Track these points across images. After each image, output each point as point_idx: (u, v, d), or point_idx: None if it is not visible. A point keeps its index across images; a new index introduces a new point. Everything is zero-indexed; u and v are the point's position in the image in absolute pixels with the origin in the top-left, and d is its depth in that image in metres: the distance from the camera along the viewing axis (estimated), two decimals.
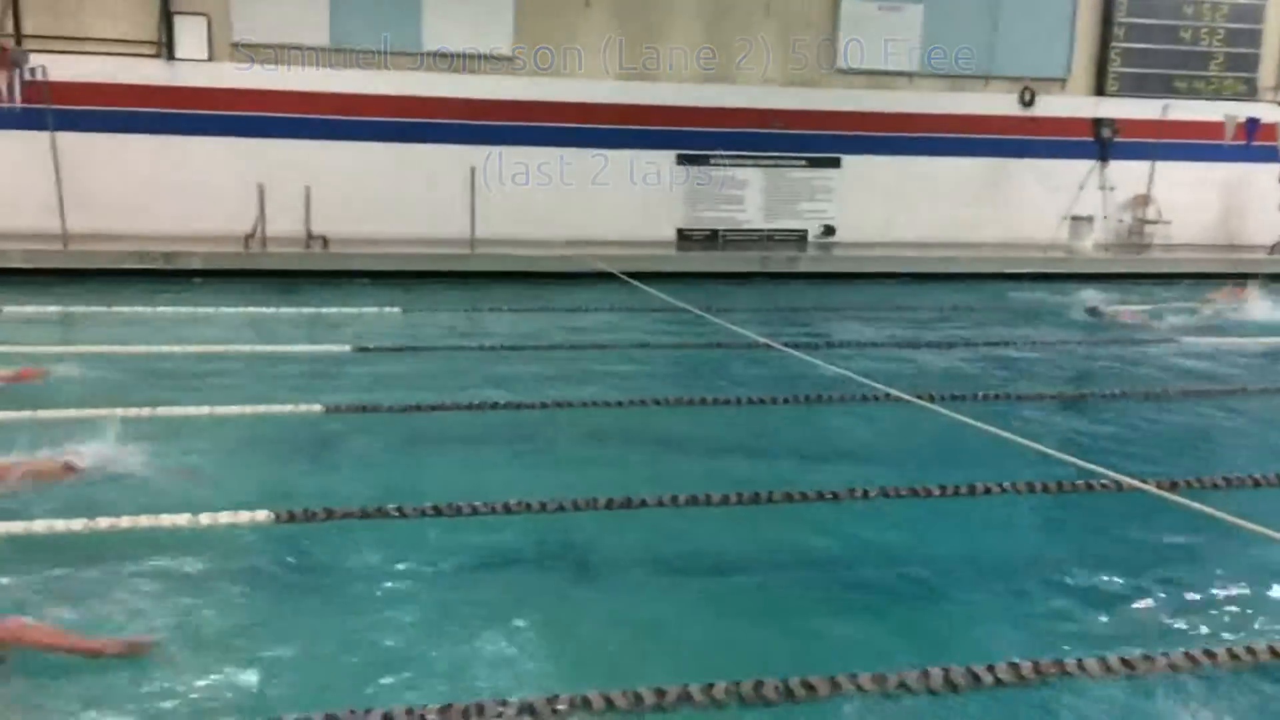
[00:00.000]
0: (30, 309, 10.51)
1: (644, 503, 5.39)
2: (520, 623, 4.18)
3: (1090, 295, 12.65)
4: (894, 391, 7.15)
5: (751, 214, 16.56)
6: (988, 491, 5.71)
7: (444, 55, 15.37)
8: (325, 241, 13.80)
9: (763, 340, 9.05)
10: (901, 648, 4.06)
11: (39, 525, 4.82)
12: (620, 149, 15.79)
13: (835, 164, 16.68)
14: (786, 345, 8.80)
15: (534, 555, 4.87)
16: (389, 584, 4.50)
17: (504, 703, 3.47)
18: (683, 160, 16.23)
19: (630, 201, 15.80)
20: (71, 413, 6.48)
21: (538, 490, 5.48)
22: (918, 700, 3.63)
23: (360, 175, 14.66)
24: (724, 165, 16.39)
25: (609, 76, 15.95)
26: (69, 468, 5.33)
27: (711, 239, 16.30)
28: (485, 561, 4.78)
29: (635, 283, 11.96)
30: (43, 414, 6.53)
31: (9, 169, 13.59)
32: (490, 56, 15.60)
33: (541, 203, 15.27)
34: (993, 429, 6.02)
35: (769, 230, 16.54)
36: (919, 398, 7.07)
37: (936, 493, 5.71)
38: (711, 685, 3.57)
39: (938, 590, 4.68)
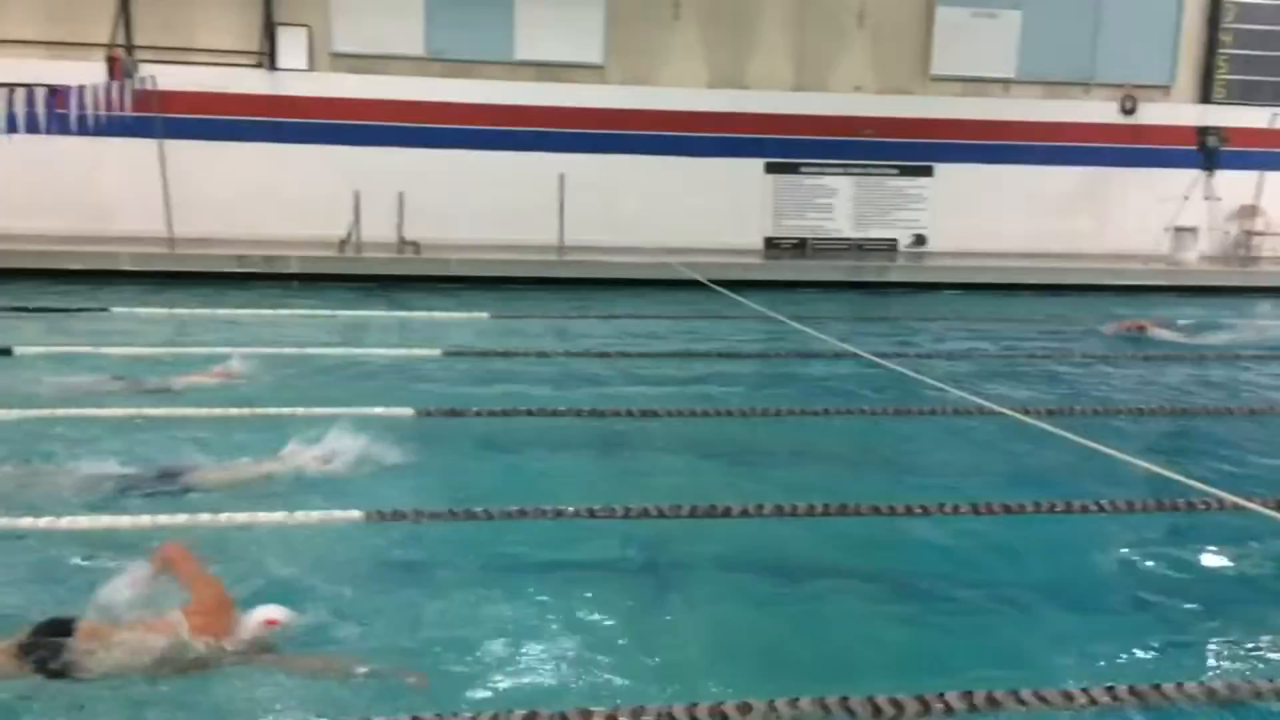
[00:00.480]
0: (141, 310, 10.88)
1: (728, 511, 5.35)
2: (601, 629, 4.18)
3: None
4: (986, 403, 6.99)
5: (840, 222, 16.40)
6: (1084, 509, 5.54)
7: (535, 64, 15.56)
8: (417, 247, 14.05)
9: (851, 350, 8.93)
10: (989, 666, 3.95)
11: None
12: (708, 157, 15.79)
13: (928, 172, 16.43)
14: (875, 355, 8.68)
15: (617, 561, 4.87)
16: (473, 586, 4.53)
17: (588, 713, 3.45)
18: (771, 168, 16.15)
19: (718, 209, 15.78)
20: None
21: (622, 496, 5.48)
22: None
23: (452, 182, 14.90)
24: (813, 173, 16.26)
25: (698, 85, 15.96)
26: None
27: (799, 247, 16.18)
28: (568, 566, 4.79)
29: (723, 290, 11.91)
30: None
31: (119, 175, 14.13)
32: (580, 65, 15.73)
33: (629, 210, 15.33)
34: (1089, 442, 5.84)
35: (858, 239, 16.36)
36: (1011, 411, 6.90)
37: (1030, 508, 5.56)
38: (796, 700, 3.52)
39: (1029, 609, 4.54)
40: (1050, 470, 6.32)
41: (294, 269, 13.26)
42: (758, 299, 11.22)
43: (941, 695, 3.59)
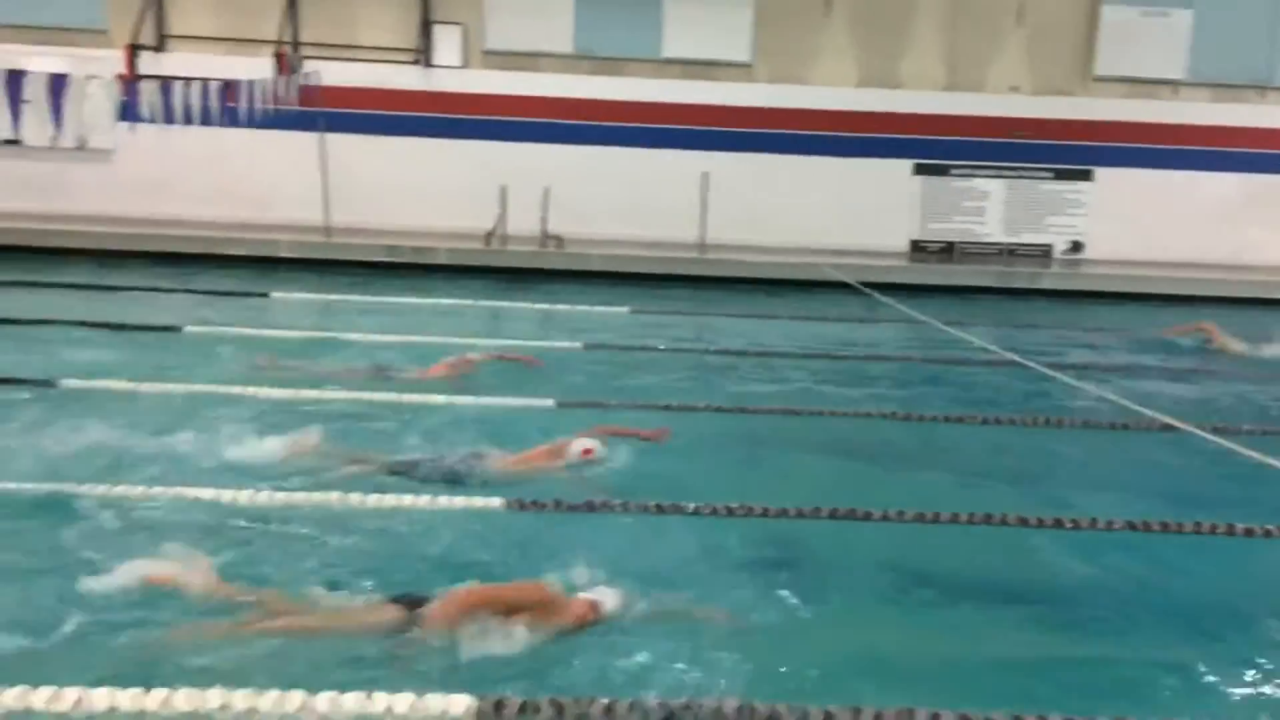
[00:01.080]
0: (296, 295, 11.33)
1: (869, 515, 5.22)
2: (737, 627, 4.13)
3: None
4: (1148, 411, 6.65)
5: (991, 226, 15.90)
6: (1249, 533, 5.20)
7: (682, 62, 15.57)
8: (560, 241, 14.23)
9: (1006, 356, 8.63)
10: (1138, 689, 3.75)
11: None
12: (856, 157, 15.52)
13: (1086, 176, 15.78)
14: (1027, 362, 8.36)
15: (754, 560, 4.80)
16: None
17: (720, 710, 3.41)
18: (920, 169, 15.77)
19: (862, 211, 15.49)
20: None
21: (761, 495, 5.41)
22: None
23: (596, 178, 15.03)
24: (963, 175, 15.81)
25: (847, 84, 15.70)
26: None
27: (947, 251, 15.76)
28: (704, 562, 4.76)
29: (870, 292, 11.69)
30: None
31: (282, 166, 14.76)
32: (728, 63, 15.67)
33: (771, 209, 15.19)
34: (1261, 455, 5.48)
35: (1010, 244, 15.83)
36: (1176, 424, 6.53)
37: (1189, 528, 5.25)
38: (938, 714, 3.39)
39: (1185, 634, 4.29)
40: (1213, 487, 5.98)
41: (442, 260, 13.60)
42: (901, 303, 10.96)
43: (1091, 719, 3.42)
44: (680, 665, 3.81)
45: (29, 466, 5.39)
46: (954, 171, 15.83)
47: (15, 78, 7.41)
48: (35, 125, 7.92)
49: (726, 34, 15.69)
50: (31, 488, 5.10)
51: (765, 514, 5.22)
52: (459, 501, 5.20)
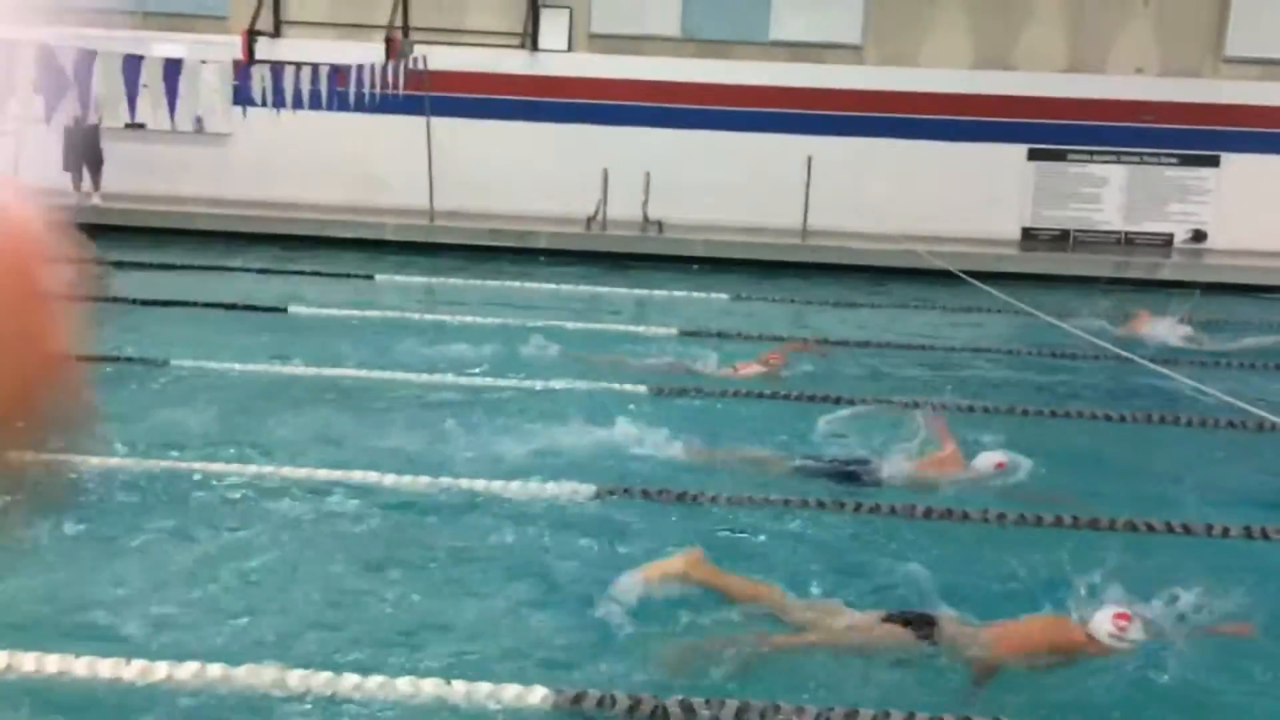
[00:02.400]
0: (399, 278, 11.52)
1: (966, 515, 5.05)
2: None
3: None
4: (1271, 417, 6.29)
5: (1109, 214, 15.29)
6: None
7: (790, 44, 15.33)
8: (660, 226, 14.16)
9: (1118, 351, 8.27)
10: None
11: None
12: (966, 141, 15.07)
13: (1213, 162, 15.03)
14: (1142, 358, 8.00)
15: (850, 557, 4.68)
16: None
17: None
18: (1034, 154, 15.24)
19: (971, 197, 15.04)
20: None
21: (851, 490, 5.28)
22: None
23: (698, 162, 14.90)
24: (1081, 160, 15.22)
25: (961, 65, 15.25)
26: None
27: (1061, 239, 15.21)
28: (787, 554, 4.65)
29: (975, 282, 11.35)
30: None
31: (389, 150, 14.99)
32: (837, 45, 15.37)
33: (878, 194, 14.85)
34: None
35: (1129, 232, 15.19)
36: None
37: None
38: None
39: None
40: None
41: (543, 244, 13.66)
42: (1012, 292, 10.60)
43: None
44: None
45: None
46: (1071, 157, 15.25)
47: (133, 62, 7.66)
48: (157, 109, 8.17)
49: (836, 15, 15.37)
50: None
51: (858, 509, 5.10)
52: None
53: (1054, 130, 15.13)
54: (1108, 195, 15.26)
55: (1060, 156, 15.22)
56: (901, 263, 13.27)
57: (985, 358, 8.90)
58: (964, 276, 11.72)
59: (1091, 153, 15.18)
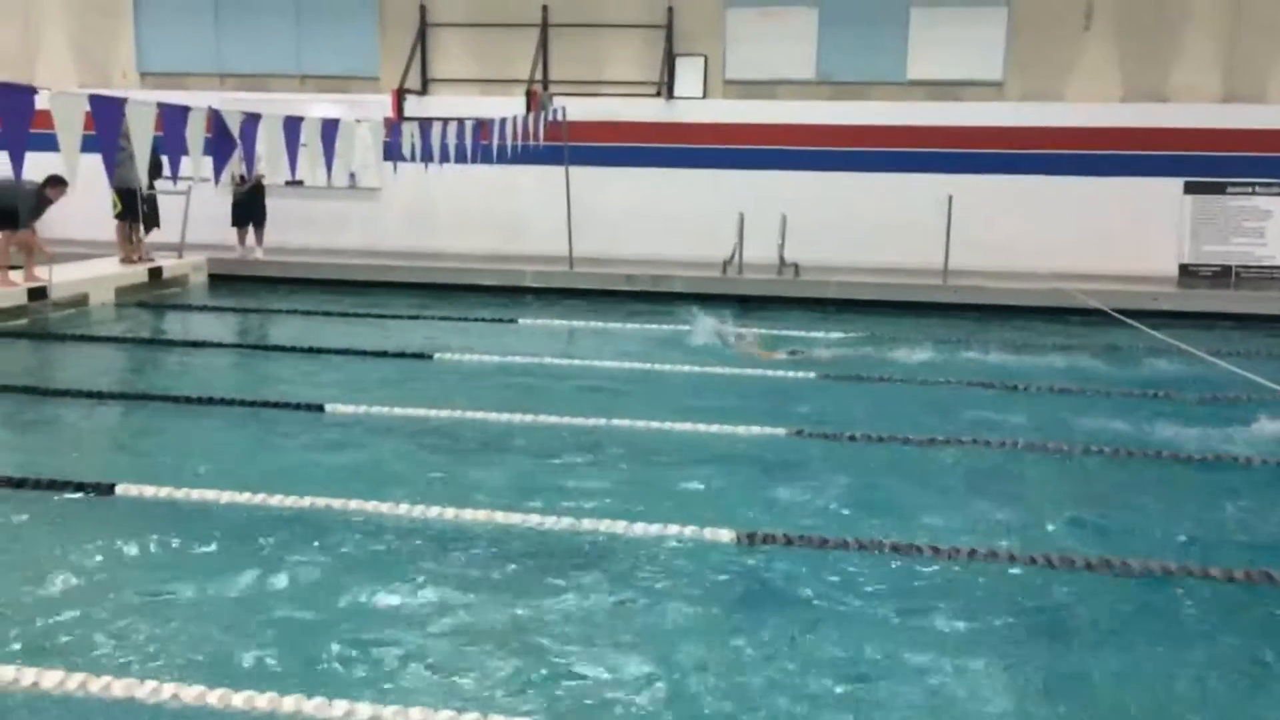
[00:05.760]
0: (540, 322, 11.77)
1: (1127, 567, 4.82)
2: (973, 670, 3.91)
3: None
4: None
5: (1274, 249, 14.51)
6: None
7: (928, 83, 15.16)
8: (796, 269, 14.09)
9: None
10: None
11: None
12: (1114, 176, 14.58)
13: None
14: None
15: (995, 607, 4.52)
16: (841, 617, 4.39)
17: None
18: (1191, 188, 14.61)
19: (1123, 234, 14.52)
20: None
21: (1005, 537, 5.10)
22: None
23: (834, 204, 14.83)
24: (1242, 193, 14.52)
25: (1109, 99, 14.80)
26: None
27: (1223, 275, 14.50)
28: (938, 603, 4.52)
29: (1129, 321, 10.90)
30: None
31: (530, 199, 15.41)
32: (977, 83, 15.13)
33: (1019, 233, 14.49)
34: None
35: None
36: None
37: None
38: None
39: None
40: None
41: (679, 289, 13.75)
42: (1170, 332, 10.14)
43: None
44: None
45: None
46: (1231, 189, 14.57)
47: (293, 123, 8.09)
48: (315, 168, 8.60)
49: (976, 52, 15.14)
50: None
51: (1011, 559, 4.92)
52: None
53: (1212, 162, 14.50)
54: (1272, 229, 14.50)
55: (1219, 189, 14.55)
56: (1047, 302, 12.87)
57: (1135, 400, 8.52)
58: (1114, 314, 11.28)
59: (1254, 185, 14.46)
